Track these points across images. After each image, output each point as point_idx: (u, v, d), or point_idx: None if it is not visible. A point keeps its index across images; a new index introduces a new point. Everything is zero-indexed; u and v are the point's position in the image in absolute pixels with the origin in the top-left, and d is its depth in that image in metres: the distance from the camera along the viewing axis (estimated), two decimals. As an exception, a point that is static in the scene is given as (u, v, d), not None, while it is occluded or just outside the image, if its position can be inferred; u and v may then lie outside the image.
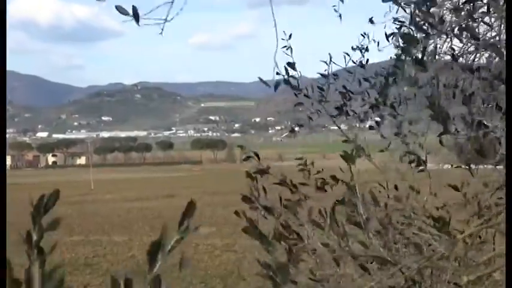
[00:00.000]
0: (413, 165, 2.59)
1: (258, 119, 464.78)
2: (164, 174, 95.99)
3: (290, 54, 2.38)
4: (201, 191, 51.76)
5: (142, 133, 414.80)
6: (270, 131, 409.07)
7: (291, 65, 2.43)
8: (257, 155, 2.53)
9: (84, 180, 72.46)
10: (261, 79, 2.65)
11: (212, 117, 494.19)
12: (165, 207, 37.18)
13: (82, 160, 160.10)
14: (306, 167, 2.68)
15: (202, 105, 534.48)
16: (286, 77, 2.55)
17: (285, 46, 2.38)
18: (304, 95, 2.69)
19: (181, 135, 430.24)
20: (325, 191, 2.51)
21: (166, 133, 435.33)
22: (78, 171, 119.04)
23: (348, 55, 2.81)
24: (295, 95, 2.77)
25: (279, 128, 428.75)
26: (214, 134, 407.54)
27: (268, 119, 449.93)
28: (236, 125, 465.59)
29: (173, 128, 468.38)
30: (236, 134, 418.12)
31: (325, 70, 2.86)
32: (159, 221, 29.66)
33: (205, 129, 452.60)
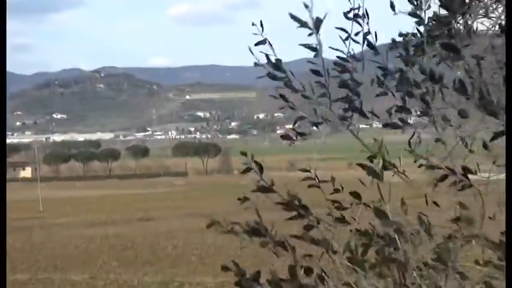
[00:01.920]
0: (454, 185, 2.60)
1: (261, 115, 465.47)
2: (137, 191, 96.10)
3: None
4: (186, 212, 51.76)
5: (108, 135, 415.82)
6: (279, 131, 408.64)
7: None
8: (259, 166, 2.58)
9: (30, 199, 72.58)
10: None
11: (201, 114, 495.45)
12: (139, 234, 37.25)
13: (27, 172, 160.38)
14: (317, 182, 2.72)
15: (188, 97, 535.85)
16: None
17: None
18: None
19: (159, 137, 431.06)
20: (347, 222, 2.54)
21: (140, 135, 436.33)
22: (22, 187, 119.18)
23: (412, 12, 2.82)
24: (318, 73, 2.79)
25: (290, 126, 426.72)
26: (204, 135, 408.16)
27: (276, 115, 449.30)
28: (233, 124, 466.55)
29: (149, 129, 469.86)
30: (233, 136, 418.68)
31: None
32: (131, 253, 29.74)
33: (192, 129, 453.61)
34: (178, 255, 28.57)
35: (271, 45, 2.74)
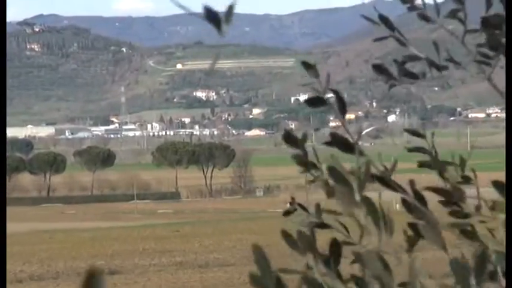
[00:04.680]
0: None
1: (303, 98, 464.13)
2: (95, 223, 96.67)
3: None
4: (175, 260, 51.88)
5: (46, 130, 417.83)
6: (332, 124, 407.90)
7: None
8: (301, 207, 2.59)
9: None
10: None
11: (201, 94, 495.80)
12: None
13: None
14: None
15: (180, 66, 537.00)
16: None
17: None
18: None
19: (131, 134, 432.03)
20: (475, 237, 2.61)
21: (98, 130, 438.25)
22: None
23: None
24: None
25: (352, 116, 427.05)
26: (207, 131, 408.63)
27: (329, 96, 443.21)
28: (255, 112, 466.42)
29: (114, 119, 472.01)
30: (255, 131, 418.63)
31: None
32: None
33: (187, 120, 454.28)
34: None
35: None
